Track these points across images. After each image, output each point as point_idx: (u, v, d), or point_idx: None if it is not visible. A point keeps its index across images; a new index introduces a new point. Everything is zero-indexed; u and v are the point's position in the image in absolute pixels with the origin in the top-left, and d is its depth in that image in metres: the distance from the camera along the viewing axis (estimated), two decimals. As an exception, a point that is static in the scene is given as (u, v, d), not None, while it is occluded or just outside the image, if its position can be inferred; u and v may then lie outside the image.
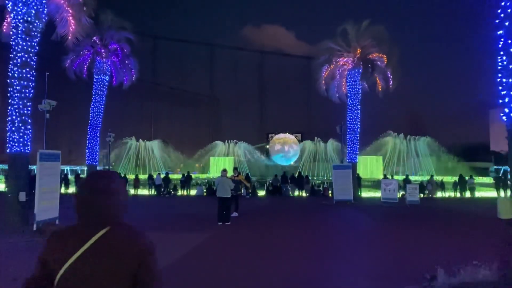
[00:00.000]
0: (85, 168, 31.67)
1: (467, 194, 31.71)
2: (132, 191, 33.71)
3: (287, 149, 64.85)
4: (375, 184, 35.21)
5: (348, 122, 25.19)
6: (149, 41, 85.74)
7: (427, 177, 39.41)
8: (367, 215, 19.75)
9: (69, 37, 15.14)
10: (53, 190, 13.52)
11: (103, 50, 25.38)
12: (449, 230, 14.53)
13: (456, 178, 34.11)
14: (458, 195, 32.71)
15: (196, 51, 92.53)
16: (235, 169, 18.20)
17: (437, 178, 37.56)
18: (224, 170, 14.98)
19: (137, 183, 33.73)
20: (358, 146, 25.18)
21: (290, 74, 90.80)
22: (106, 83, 26.10)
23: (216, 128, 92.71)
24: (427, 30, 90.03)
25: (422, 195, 27.01)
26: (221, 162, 66.02)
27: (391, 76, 24.87)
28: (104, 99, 26.13)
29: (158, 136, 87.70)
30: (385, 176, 32.41)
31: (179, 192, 33.23)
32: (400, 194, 30.43)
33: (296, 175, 32.91)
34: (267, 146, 68.48)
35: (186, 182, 32.95)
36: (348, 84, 25.40)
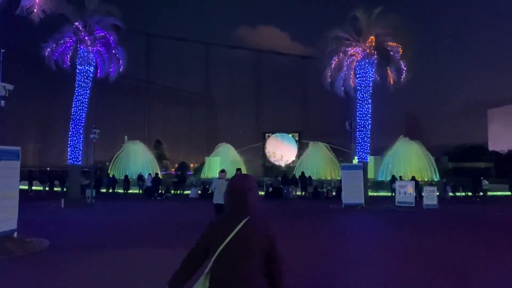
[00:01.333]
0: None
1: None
2: (121, 193, 30.80)
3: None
4: (372, 185, 32.47)
5: (358, 118, 22.43)
6: (143, 39, 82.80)
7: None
8: (384, 222, 17.08)
9: (35, 10, 12.28)
10: (10, 196, 10.62)
11: (87, 38, 22.45)
12: (497, 242, 11.79)
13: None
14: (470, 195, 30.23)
15: (191, 50, 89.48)
16: (238, 170, 15.34)
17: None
18: (223, 171, 12.11)
19: (126, 184, 30.79)
20: (369, 144, 22.44)
21: (287, 73, 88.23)
22: (91, 74, 23.19)
23: (211, 127, 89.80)
24: (423, 27, 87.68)
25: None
26: (217, 162, 63.19)
27: (405, 69, 22.17)
28: (88, 92, 23.22)
29: (153, 135, 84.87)
30: (393, 177, 29.77)
31: (173, 192, 30.40)
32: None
33: (299, 175, 30.10)
34: (262, 145, 65.67)
35: (180, 183, 30.08)
36: (357, 76, 22.67)
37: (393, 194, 28.70)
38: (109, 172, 36.81)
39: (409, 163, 54.49)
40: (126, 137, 65.37)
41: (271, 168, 64.92)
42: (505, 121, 78.18)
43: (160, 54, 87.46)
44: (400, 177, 30.09)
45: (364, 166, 21.40)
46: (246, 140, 74.35)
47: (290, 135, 64.42)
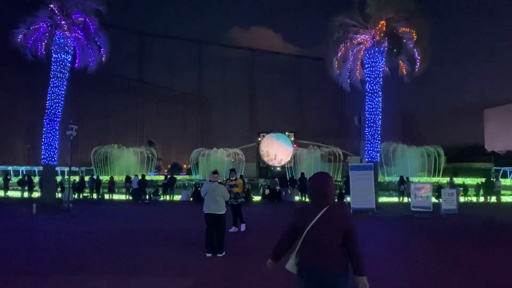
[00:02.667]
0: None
1: (493, 198, 26.77)
2: (106, 196, 27.89)
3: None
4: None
5: (367, 113, 19.78)
6: (135, 37, 79.84)
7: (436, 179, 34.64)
8: (402, 230, 14.48)
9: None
10: None
11: (63, 22, 19.63)
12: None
13: (479, 181, 29.36)
14: (482, 199, 27.76)
15: (184, 49, 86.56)
16: (232, 171, 12.72)
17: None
18: (215, 173, 9.39)
19: (112, 186, 27.89)
20: (379, 142, 19.81)
21: (282, 72, 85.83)
22: (68, 64, 20.38)
23: (205, 127, 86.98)
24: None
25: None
26: (211, 162, 60.47)
27: (418, 57, 19.59)
28: (65, 83, 20.39)
29: (145, 135, 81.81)
30: (401, 178, 27.19)
31: (162, 197, 27.55)
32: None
33: (299, 176, 27.37)
34: (257, 145, 62.95)
35: (170, 185, 27.25)
36: (366, 66, 20.07)
37: (402, 198, 26.33)
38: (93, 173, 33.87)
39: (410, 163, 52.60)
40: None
41: (266, 169, 62.33)
42: (502, 121, 76.37)
43: (152, 53, 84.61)
44: (407, 178, 27.55)
45: (374, 166, 18.75)
46: (241, 140, 71.70)
47: (285, 135, 61.77)
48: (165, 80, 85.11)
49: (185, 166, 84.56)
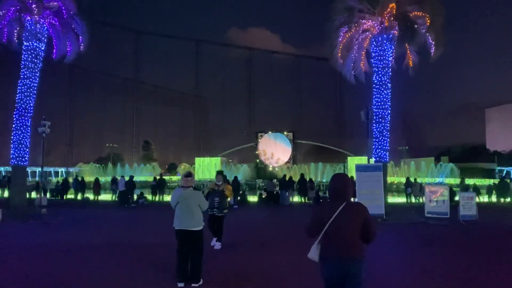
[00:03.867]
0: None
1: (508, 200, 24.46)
2: (91, 197, 25.50)
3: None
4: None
5: (375, 107, 17.39)
6: (132, 36, 77.36)
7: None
8: (418, 241, 12.09)
9: None
10: None
11: (34, 6, 17.24)
12: None
13: (489, 182, 27.05)
14: (494, 200, 25.50)
15: (181, 49, 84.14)
16: (219, 174, 10.16)
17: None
18: (188, 175, 6.96)
19: (97, 188, 25.48)
20: (388, 139, 17.43)
21: (280, 71, 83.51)
22: (41, 53, 18.00)
23: (203, 127, 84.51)
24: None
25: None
26: (207, 162, 58.12)
27: (433, 43, 17.22)
28: (38, 74, 17.97)
29: (142, 135, 79.30)
30: (407, 180, 24.85)
31: (152, 199, 25.18)
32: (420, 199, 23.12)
33: (299, 178, 24.99)
34: (255, 145, 60.59)
35: (159, 187, 24.87)
36: (373, 55, 17.71)
37: (409, 200, 24.02)
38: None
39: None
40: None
41: (265, 170, 59.99)
42: (503, 120, 74.09)
43: (149, 52, 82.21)
44: (415, 179, 25.20)
45: (383, 167, 16.35)
46: (239, 140, 69.32)
47: (284, 134, 59.43)
48: (162, 79, 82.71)
49: (182, 166, 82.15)
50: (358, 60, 18.73)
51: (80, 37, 18.38)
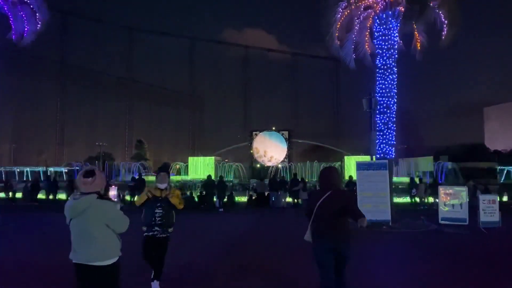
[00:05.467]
0: None
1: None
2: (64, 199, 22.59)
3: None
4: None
5: (379, 95, 14.56)
6: (125, 33, 74.45)
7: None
8: (432, 256, 9.41)
9: None
10: None
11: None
12: None
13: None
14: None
15: (177, 47, 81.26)
16: (162, 171, 6.35)
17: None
18: (89, 174, 4.01)
19: (70, 189, 22.52)
20: (394, 133, 14.62)
21: (276, 71, 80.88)
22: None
23: (198, 126, 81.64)
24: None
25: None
26: (201, 162, 55.34)
27: (445, 22, 14.47)
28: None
29: (135, 135, 76.30)
30: (411, 180, 22.09)
31: (129, 200, 22.29)
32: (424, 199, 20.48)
33: (292, 178, 22.13)
34: (250, 144, 57.80)
35: (138, 188, 21.94)
36: (377, 35, 14.95)
37: (413, 200, 21.30)
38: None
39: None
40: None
41: (260, 169, 57.22)
42: (502, 119, 71.52)
43: (143, 50, 79.29)
44: (420, 179, 22.46)
45: (389, 165, 13.52)
46: (234, 140, 66.50)
47: (279, 133, 56.66)
48: (156, 78, 79.82)
49: (177, 166, 79.33)
50: (361, 41, 15.97)
51: (37, 14, 15.47)
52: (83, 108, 73.72)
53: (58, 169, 59.85)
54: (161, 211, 5.89)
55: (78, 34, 71.13)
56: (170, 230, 6.06)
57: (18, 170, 53.36)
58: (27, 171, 56.11)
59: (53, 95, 69.91)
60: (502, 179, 47.35)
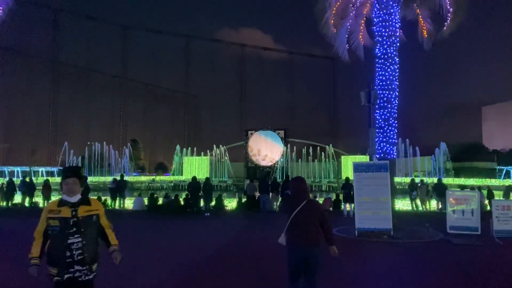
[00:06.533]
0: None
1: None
2: (41, 205, 20.81)
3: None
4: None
5: (378, 87, 12.86)
6: (119, 31, 72.62)
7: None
8: (451, 273, 7.91)
9: None
10: None
11: None
12: None
13: (504, 182, 22.73)
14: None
15: (172, 46, 79.39)
16: (70, 173, 3.88)
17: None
18: None
19: (47, 192, 20.77)
20: (396, 130, 12.92)
21: (272, 70, 79.21)
22: None
23: (193, 126, 79.90)
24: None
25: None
26: (195, 162, 53.67)
27: (450, 9, 12.81)
28: None
29: (130, 134, 74.47)
30: (412, 182, 20.39)
31: (110, 205, 20.51)
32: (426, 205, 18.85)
33: (283, 180, 20.42)
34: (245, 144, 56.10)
35: (119, 190, 20.23)
36: (376, 21, 13.21)
37: (415, 207, 19.60)
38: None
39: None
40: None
41: (255, 169, 55.54)
42: (500, 118, 70.00)
43: (138, 48, 77.47)
44: (422, 180, 20.78)
45: (391, 166, 11.80)
46: (230, 139, 64.84)
47: (275, 132, 54.98)
48: (151, 77, 77.97)
49: (173, 166, 77.62)
50: (355, 31, 14.28)
51: (-1, 0, 13.72)
52: (77, 107, 71.96)
53: (50, 169, 58.13)
54: (79, 239, 3.75)
55: (71, 31, 69.34)
56: (94, 267, 3.91)
57: (9, 170, 51.57)
58: (17, 171, 54.35)
59: (46, 94, 68.10)
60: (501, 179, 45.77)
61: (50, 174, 54.21)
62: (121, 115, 70.40)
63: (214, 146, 54.73)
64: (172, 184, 43.81)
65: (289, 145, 53.66)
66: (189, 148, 56.43)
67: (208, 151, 53.24)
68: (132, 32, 73.76)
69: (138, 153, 67.18)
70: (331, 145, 52.69)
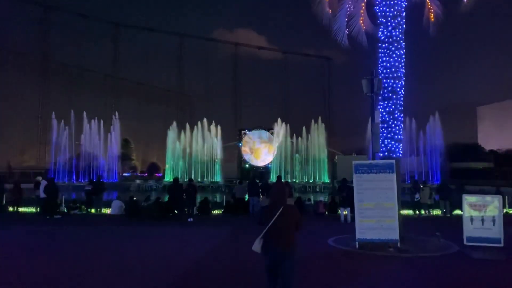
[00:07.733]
0: None
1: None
2: (10, 209, 18.77)
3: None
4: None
5: (382, 76, 11.01)
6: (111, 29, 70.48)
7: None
8: None
9: None
10: None
11: None
12: None
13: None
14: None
15: (166, 44, 77.30)
16: None
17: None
18: None
19: (18, 196, 18.71)
20: (402, 124, 11.07)
21: (267, 69, 77.54)
22: None
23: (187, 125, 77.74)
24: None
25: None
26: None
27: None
28: None
29: (122, 134, 72.13)
30: (415, 183, 18.59)
31: (88, 209, 18.53)
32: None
33: (275, 180, 18.56)
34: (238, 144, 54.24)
35: (96, 193, 18.24)
36: (379, 0, 11.38)
37: (418, 212, 17.81)
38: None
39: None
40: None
41: (248, 170, 53.66)
42: (495, 118, 68.56)
43: (130, 47, 75.32)
44: (424, 182, 19.02)
45: (397, 166, 9.95)
46: (224, 139, 62.92)
47: (269, 132, 53.16)
48: (144, 76, 75.85)
49: (167, 166, 75.49)
50: (356, 14, 12.45)
51: None
52: (67, 106, 69.60)
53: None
54: None
55: (62, 29, 67.13)
56: None
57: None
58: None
59: (36, 93, 65.83)
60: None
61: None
62: (113, 114, 68.06)
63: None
64: (162, 186, 41.85)
65: (282, 145, 51.82)
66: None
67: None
68: (125, 30, 71.62)
69: (130, 153, 65.00)
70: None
